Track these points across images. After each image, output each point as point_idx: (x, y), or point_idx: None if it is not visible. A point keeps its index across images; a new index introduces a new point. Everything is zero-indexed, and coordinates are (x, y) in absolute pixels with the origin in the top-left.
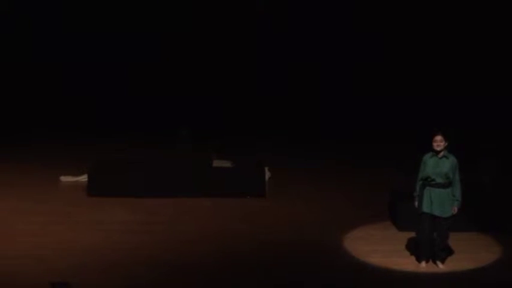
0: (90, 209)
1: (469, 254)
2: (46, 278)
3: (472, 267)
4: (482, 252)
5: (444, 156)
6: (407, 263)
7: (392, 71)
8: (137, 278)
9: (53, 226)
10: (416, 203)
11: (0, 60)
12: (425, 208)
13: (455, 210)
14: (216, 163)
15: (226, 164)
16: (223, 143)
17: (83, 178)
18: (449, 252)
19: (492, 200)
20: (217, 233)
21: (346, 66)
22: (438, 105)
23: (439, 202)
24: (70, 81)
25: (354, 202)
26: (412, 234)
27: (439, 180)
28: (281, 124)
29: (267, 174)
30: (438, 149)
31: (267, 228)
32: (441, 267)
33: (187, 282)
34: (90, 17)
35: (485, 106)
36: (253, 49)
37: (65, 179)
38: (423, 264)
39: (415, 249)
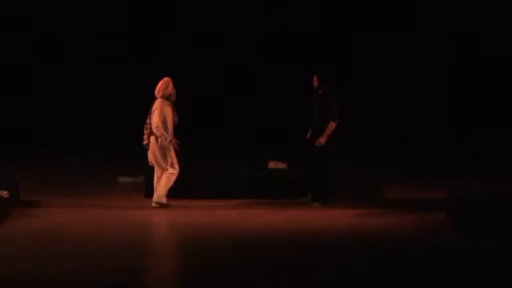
0: (145, 210)
1: None
2: (101, 279)
3: None
4: None
5: None
6: None
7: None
8: (196, 281)
9: (108, 227)
10: None
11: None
12: None
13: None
14: (271, 164)
15: (281, 165)
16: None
17: (141, 179)
18: None
19: None
20: (275, 237)
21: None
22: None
23: None
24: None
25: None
26: None
27: None
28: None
29: None
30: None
31: (315, 232)
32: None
33: None
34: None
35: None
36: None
37: (122, 179)
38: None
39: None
